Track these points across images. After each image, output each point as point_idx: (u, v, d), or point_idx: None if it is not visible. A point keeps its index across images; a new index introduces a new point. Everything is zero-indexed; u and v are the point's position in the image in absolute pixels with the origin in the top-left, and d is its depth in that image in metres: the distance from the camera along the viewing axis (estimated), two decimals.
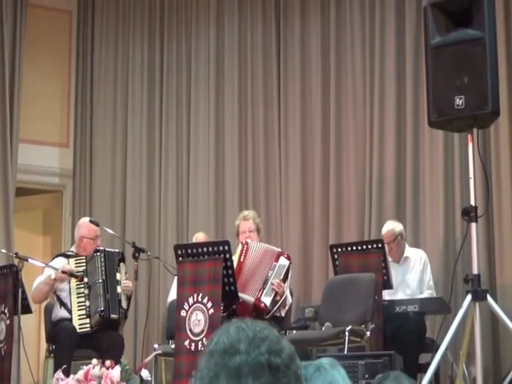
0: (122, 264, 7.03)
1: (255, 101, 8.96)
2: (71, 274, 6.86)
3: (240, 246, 6.77)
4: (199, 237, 7.98)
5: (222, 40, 9.20)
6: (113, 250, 7.27)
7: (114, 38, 9.57)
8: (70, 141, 9.49)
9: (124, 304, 6.95)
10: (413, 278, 7.17)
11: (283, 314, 6.85)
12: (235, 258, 6.40)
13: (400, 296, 7.07)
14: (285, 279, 6.71)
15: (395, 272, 7.12)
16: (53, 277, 6.88)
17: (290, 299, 6.94)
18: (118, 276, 6.98)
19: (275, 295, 6.61)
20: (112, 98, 9.46)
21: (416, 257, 7.23)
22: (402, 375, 2.69)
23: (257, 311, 6.45)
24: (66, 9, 9.69)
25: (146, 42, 9.49)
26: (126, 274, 7.01)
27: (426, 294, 7.08)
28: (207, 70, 9.19)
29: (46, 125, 9.38)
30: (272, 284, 6.61)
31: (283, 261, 6.76)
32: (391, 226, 7.24)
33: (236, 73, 9.07)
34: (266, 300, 6.58)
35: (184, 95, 9.27)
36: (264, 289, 6.61)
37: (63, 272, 6.83)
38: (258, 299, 6.55)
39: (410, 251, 7.28)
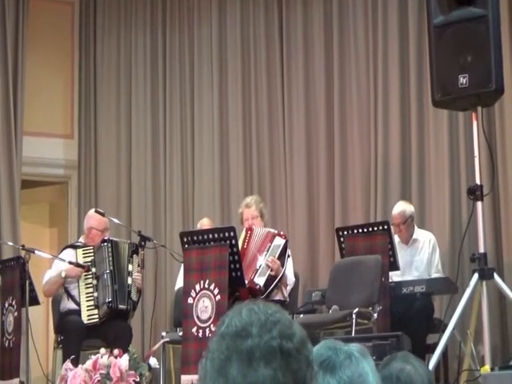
0: (134, 256, 6.96)
1: (259, 86, 8.92)
2: (78, 265, 6.84)
3: (244, 232, 6.77)
4: (204, 223, 7.93)
5: (225, 27, 9.15)
6: (124, 240, 7.24)
7: (117, 28, 9.55)
8: (75, 132, 9.48)
9: (134, 296, 6.93)
10: (421, 259, 7.13)
11: (286, 295, 6.84)
12: (239, 244, 6.38)
13: (408, 277, 7.04)
14: (281, 257, 6.69)
15: (403, 253, 7.09)
16: (63, 275, 6.86)
17: (292, 278, 6.91)
18: (130, 267, 6.94)
19: (270, 271, 6.60)
20: (115, 88, 9.44)
21: (425, 239, 7.18)
22: (410, 355, 2.69)
23: (252, 293, 6.43)
24: (68, 0, 9.67)
25: (149, 31, 9.45)
26: (138, 266, 6.89)
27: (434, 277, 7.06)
28: (210, 58, 9.15)
29: (50, 117, 9.37)
30: (267, 261, 6.62)
31: (278, 240, 6.75)
32: (402, 208, 7.14)
33: (239, 59, 9.02)
34: (260, 281, 6.57)
35: (187, 84, 9.24)
36: (257, 270, 6.61)
37: (70, 263, 6.80)
38: (251, 281, 6.54)
39: (418, 233, 7.23)
